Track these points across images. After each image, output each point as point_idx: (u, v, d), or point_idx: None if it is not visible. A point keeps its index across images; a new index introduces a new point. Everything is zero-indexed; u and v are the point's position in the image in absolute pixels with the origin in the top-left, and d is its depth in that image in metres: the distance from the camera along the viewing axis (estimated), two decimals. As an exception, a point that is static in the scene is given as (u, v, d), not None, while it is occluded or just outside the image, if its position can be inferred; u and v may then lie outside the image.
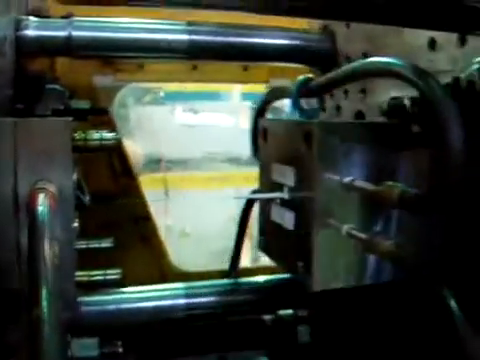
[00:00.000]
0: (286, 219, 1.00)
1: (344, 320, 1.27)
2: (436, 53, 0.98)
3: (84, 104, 1.06)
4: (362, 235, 0.88)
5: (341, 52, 1.32)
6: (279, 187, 1.02)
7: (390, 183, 0.84)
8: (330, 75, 0.97)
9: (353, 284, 0.95)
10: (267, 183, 1.09)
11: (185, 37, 1.24)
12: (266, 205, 1.08)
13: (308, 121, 0.95)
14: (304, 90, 1.03)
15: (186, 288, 1.22)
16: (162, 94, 7.67)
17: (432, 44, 0.99)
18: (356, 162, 0.91)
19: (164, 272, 1.84)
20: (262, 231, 1.13)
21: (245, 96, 8.21)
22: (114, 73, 1.66)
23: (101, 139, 0.95)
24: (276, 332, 1.34)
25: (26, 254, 0.76)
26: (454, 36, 0.92)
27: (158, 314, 1.20)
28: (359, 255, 0.93)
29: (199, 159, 6.45)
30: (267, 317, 1.35)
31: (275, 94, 1.27)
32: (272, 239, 1.09)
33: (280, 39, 1.33)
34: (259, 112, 1.24)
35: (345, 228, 0.90)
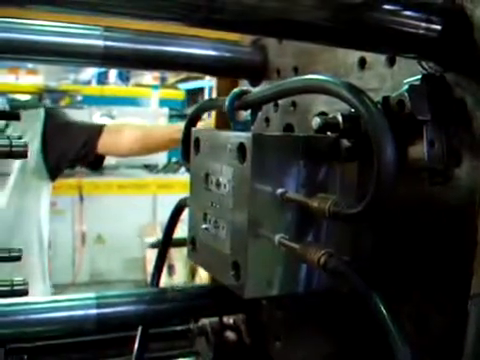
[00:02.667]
0: (219, 228, 1.01)
1: (273, 326, 1.29)
2: (365, 71, 1.02)
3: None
4: (294, 245, 0.90)
5: (272, 65, 1.35)
6: (210, 196, 1.04)
7: (322, 195, 0.87)
8: (267, 89, 0.99)
9: (286, 293, 0.98)
10: (198, 192, 1.09)
11: (100, 43, 1.22)
12: (198, 214, 1.09)
13: (240, 133, 0.96)
14: (238, 103, 1.04)
15: (98, 297, 1.20)
16: (80, 98, 7.53)
17: (362, 63, 1.03)
18: (289, 174, 0.94)
19: None
20: (192, 239, 1.13)
21: (163, 102, 8.21)
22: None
23: (10, 145, 0.92)
24: (203, 339, 1.35)
25: None
26: (383, 57, 0.97)
27: (68, 324, 1.17)
28: (291, 264, 0.95)
29: (115, 165, 6.37)
30: (192, 325, 1.35)
31: (207, 105, 1.28)
32: (202, 248, 1.10)
33: (206, 49, 1.34)
34: (191, 122, 1.24)
35: (277, 238, 0.92)
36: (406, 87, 0.83)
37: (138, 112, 7.43)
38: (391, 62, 0.96)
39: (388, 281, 0.93)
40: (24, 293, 1.01)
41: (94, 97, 7.58)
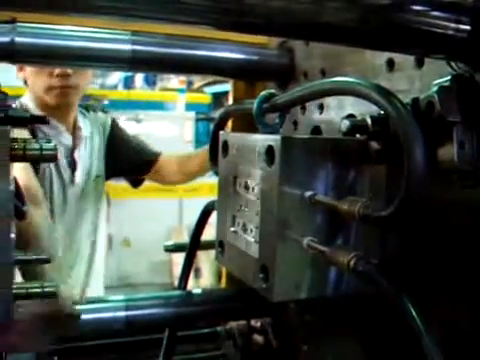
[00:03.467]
0: (247, 231, 1.01)
1: (301, 329, 1.28)
2: (394, 73, 1.01)
3: (24, 112, 1.04)
4: (323, 248, 0.90)
5: (299, 68, 1.35)
6: (239, 199, 1.04)
7: (352, 197, 0.87)
8: (295, 92, 0.99)
9: (314, 296, 0.98)
10: (227, 195, 1.10)
11: (128, 47, 1.24)
12: (226, 217, 1.09)
13: (268, 135, 0.96)
14: (266, 105, 1.05)
15: (127, 300, 1.21)
16: (106, 102, 7.59)
17: (390, 64, 1.03)
18: (318, 176, 0.94)
19: None
20: (220, 242, 1.14)
21: (189, 106, 8.23)
22: None
23: (41, 149, 0.93)
24: (230, 342, 1.35)
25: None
26: (411, 58, 0.96)
27: (98, 326, 1.18)
28: (320, 267, 0.95)
29: None
30: (220, 328, 1.35)
31: (235, 108, 1.29)
32: (231, 251, 1.10)
33: (233, 53, 1.35)
34: (219, 125, 1.24)
35: (306, 241, 0.92)
36: (435, 88, 0.83)
37: (164, 116, 7.46)
38: (420, 63, 0.96)
39: (417, 284, 0.92)
40: (54, 295, 1.02)
41: (121, 101, 7.62)
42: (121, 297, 1.21)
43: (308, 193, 0.92)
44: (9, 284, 0.92)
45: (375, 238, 0.98)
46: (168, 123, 7.35)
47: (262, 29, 0.76)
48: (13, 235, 0.94)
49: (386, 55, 1.03)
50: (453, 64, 0.86)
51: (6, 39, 1.15)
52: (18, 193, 1.05)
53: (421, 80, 0.95)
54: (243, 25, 0.72)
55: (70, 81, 2.09)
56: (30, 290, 1.00)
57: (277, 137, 0.93)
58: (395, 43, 0.82)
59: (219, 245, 1.14)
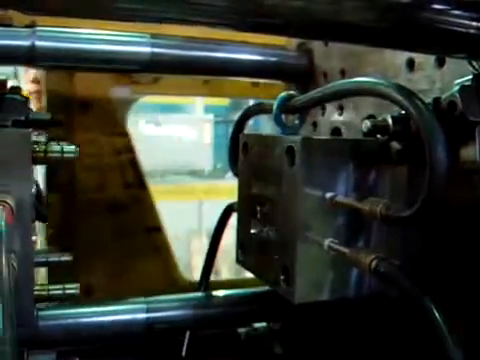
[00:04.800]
0: (268, 233, 1.01)
1: (320, 332, 1.27)
2: (414, 73, 1.01)
3: (44, 115, 1.05)
4: (344, 249, 0.90)
5: (318, 69, 1.34)
6: (259, 201, 1.03)
7: (373, 198, 0.86)
8: (315, 92, 0.99)
9: (335, 297, 0.97)
10: (247, 197, 1.09)
11: (148, 50, 1.24)
12: (247, 218, 1.09)
13: (289, 136, 0.96)
14: (286, 106, 1.04)
15: (147, 302, 1.21)
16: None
17: (411, 64, 1.02)
18: (338, 177, 0.93)
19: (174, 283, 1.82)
20: (241, 244, 1.13)
21: (208, 109, 8.24)
22: (131, 85, 1.66)
23: (62, 151, 0.94)
24: (250, 345, 1.34)
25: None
26: (432, 57, 0.96)
27: (118, 328, 1.18)
28: (341, 269, 0.95)
29: (161, 171, 6.42)
30: (241, 330, 1.35)
31: (254, 109, 1.28)
32: (251, 253, 1.10)
33: (251, 55, 1.35)
34: (238, 127, 1.24)
35: (327, 242, 0.92)
36: (457, 88, 0.82)
37: (184, 119, 7.48)
38: (440, 63, 0.95)
39: (439, 286, 0.91)
40: (75, 297, 1.02)
41: (139, 104, 7.65)
42: (141, 299, 1.21)
43: (329, 194, 0.92)
44: (30, 286, 0.92)
45: (397, 239, 0.97)
46: (187, 126, 7.37)
47: (281, 29, 0.76)
48: (34, 237, 0.95)
49: (406, 55, 1.02)
50: (474, 63, 0.85)
51: (27, 43, 1.16)
52: (39, 196, 1.06)
53: (442, 80, 0.94)
54: (263, 25, 0.72)
55: None
56: (51, 292, 1.01)
57: (297, 138, 0.92)
58: (415, 42, 0.81)
59: (240, 246, 1.13)
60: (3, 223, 0.75)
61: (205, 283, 1.38)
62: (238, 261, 1.15)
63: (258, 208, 1.04)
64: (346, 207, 0.91)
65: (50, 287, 1.02)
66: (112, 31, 1.25)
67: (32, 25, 1.24)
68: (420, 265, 0.96)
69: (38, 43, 1.16)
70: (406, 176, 0.95)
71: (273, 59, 1.38)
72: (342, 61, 1.23)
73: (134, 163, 1.73)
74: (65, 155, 0.94)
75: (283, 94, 1.04)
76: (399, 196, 0.95)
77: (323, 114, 1.28)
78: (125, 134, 1.66)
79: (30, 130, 0.89)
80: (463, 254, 0.89)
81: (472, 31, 0.76)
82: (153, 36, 1.26)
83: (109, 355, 1.29)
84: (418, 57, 1.00)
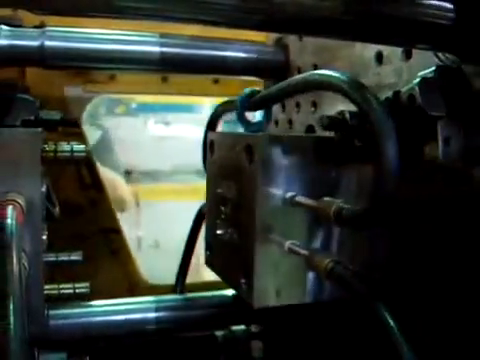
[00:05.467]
0: (231, 234, 0.97)
1: (296, 336, 1.25)
2: (383, 66, 0.97)
3: (55, 115, 1.05)
4: (303, 251, 0.86)
5: (293, 64, 1.31)
6: (224, 201, 1.00)
7: (327, 199, 0.82)
8: (274, 88, 0.96)
9: (298, 302, 0.93)
10: (213, 197, 1.06)
11: (157, 49, 1.24)
12: (213, 219, 1.05)
13: (250, 134, 0.94)
14: (249, 103, 1.01)
15: (157, 301, 1.21)
16: (134, 105, 7.64)
17: (379, 57, 0.98)
18: (299, 176, 0.89)
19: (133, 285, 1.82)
20: (208, 246, 1.11)
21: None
22: (85, 84, 1.65)
23: (72, 151, 0.94)
24: (228, 348, 1.31)
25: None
26: (399, 50, 0.92)
27: (128, 327, 1.18)
28: (302, 272, 0.91)
29: (169, 171, 6.42)
30: (219, 333, 1.31)
31: (225, 107, 1.25)
32: (218, 254, 1.06)
33: (234, 52, 1.33)
34: (210, 125, 1.22)
35: (287, 244, 0.88)
36: (417, 80, 0.77)
37: (192, 119, 7.48)
38: (407, 55, 0.90)
39: (405, 291, 0.89)
40: (86, 296, 1.03)
41: (148, 104, 7.66)
42: (151, 298, 1.21)
43: (289, 194, 0.88)
44: (41, 285, 0.93)
45: (360, 243, 0.94)
46: (196, 126, 7.38)
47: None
48: (44, 237, 0.95)
49: (375, 48, 0.97)
50: (440, 55, 0.80)
51: (36, 43, 1.16)
52: (49, 195, 1.06)
53: (409, 72, 0.89)
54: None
55: None
56: (62, 291, 1.01)
57: (255, 135, 0.90)
58: (377, 33, 0.75)
59: (207, 248, 1.10)
60: (14, 222, 0.75)
61: (182, 284, 1.35)
62: (207, 263, 1.12)
63: (222, 208, 1.00)
64: (305, 207, 0.87)
65: (61, 286, 1.02)
66: (121, 30, 1.25)
67: (41, 25, 1.24)
68: (386, 267, 0.93)
69: (47, 43, 1.16)
70: (370, 175, 0.92)
71: (252, 56, 1.35)
72: (315, 56, 1.20)
73: (90, 165, 1.72)
74: (75, 154, 0.94)
75: (246, 90, 1.01)
76: (360, 195, 0.92)
77: (298, 111, 1.25)
78: (81, 134, 1.63)
79: (40, 130, 0.89)
80: (429, 259, 0.87)
81: (434, 20, 0.72)
82: (162, 35, 1.26)
83: (120, 354, 1.29)
84: (386, 50, 0.95)
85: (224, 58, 1.31)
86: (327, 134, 0.95)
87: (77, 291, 1.03)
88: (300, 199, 0.87)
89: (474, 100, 0.75)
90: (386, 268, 0.93)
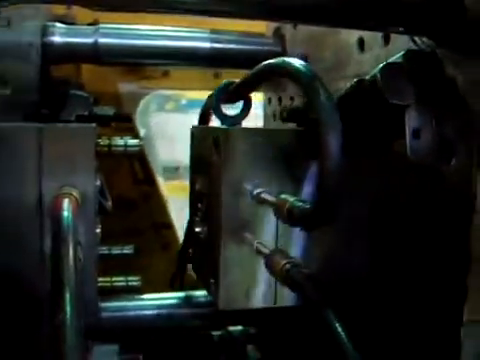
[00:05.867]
0: (203, 232, 0.94)
1: (292, 338, 1.19)
2: (364, 53, 0.90)
3: (108, 110, 1.07)
4: (265, 251, 0.80)
5: (288, 55, 1.25)
6: (200, 197, 0.96)
7: (284, 195, 0.75)
8: (242, 78, 0.91)
9: (268, 306, 0.88)
10: (192, 193, 1.02)
11: (207, 45, 1.25)
12: (192, 216, 1.02)
13: (221, 127, 0.90)
14: (225, 95, 0.95)
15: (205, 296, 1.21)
16: (184, 102, 7.68)
17: (361, 44, 0.91)
18: (269, 171, 0.84)
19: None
20: (189, 244, 1.09)
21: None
22: (139, 80, 1.66)
23: (126, 145, 0.95)
24: (224, 349, 1.27)
25: (49, 259, 0.76)
26: (379, 35, 0.85)
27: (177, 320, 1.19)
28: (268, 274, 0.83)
29: (175, 167, 6.42)
30: (215, 333, 1.28)
31: (209, 101, 1.17)
32: (196, 253, 1.03)
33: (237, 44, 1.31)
34: (201, 119, 1.15)
35: (255, 243, 0.83)
36: (380, 66, 0.70)
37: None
38: (386, 40, 0.83)
39: (368, 297, 0.85)
40: (137, 289, 1.04)
41: (198, 101, 7.71)
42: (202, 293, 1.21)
43: (255, 190, 0.83)
44: (95, 277, 0.94)
45: (321, 244, 0.89)
46: (245, 122, 7.37)
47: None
48: (98, 230, 0.96)
49: (356, 35, 0.91)
50: (417, 39, 0.73)
51: (90, 40, 1.18)
52: (102, 189, 1.08)
53: (387, 58, 0.80)
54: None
55: None
56: (115, 284, 1.03)
57: (224, 128, 0.86)
58: (344, 15, 0.69)
59: (189, 247, 1.08)
60: (70, 215, 0.76)
61: (180, 282, 1.32)
62: (189, 262, 1.10)
63: (199, 205, 0.96)
64: (268, 204, 0.80)
65: (113, 279, 1.04)
66: (171, 27, 1.26)
67: (95, 23, 1.26)
68: (346, 273, 0.89)
69: (101, 40, 1.18)
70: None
71: (252, 47, 1.32)
72: (305, 45, 1.15)
73: (143, 160, 1.72)
74: (128, 149, 0.95)
75: (224, 82, 0.96)
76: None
77: (280, 104, 1.21)
78: (133, 129, 1.63)
79: (94, 125, 0.90)
80: (396, 265, 0.82)
81: (407, 2, 0.65)
82: (212, 31, 1.27)
83: (173, 349, 1.30)
84: (367, 36, 0.88)
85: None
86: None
87: (129, 284, 1.04)
88: (265, 196, 0.81)
89: (447, 87, 0.67)
90: (348, 271, 0.90)
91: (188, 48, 1.24)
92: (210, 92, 1.00)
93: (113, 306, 1.14)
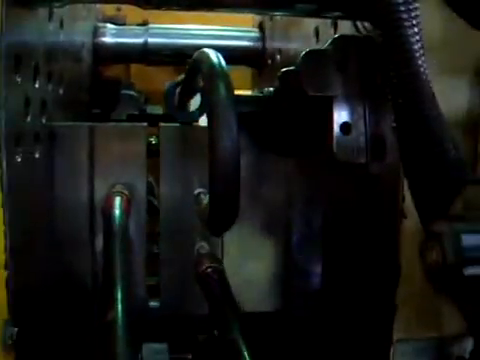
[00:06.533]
0: None
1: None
2: (319, 42, 0.84)
3: (158, 110, 1.07)
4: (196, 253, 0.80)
5: (267, 50, 1.23)
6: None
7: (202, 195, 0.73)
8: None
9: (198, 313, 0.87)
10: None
11: (258, 44, 1.24)
12: None
13: (170, 125, 0.89)
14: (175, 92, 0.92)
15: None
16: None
17: (317, 33, 0.85)
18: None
19: None
20: None
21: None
22: None
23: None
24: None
25: (100, 257, 0.77)
26: (329, 22, 0.79)
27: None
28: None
29: None
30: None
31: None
32: None
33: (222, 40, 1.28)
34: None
35: (197, 246, 0.83)
36: (302, 55, 0.63)
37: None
38: (335, 27, 0.76)
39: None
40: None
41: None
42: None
43: (197, 190, 0.82)
44: (143, 275, 0.94)
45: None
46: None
47: None
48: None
49: (313, 24, 0.85)
50: (359, 25, 0.66)
51: (140, 41, 1.19)
52: (152, 188, 1.08)
53: None
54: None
55: None
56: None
57: (161, 126, 0.86)
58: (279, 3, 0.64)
59: None
60: (121, 212, 0.77)
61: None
62: None
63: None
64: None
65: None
66: (220, 26, 1.26)
67: (144, 23, 1.27)
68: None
69: (151, 40, 1.19)
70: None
71: (241, 43, 1.29)
72: (279, 39, 1.11)
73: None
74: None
75: (177, 80, 0.92)
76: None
77: None
78: None
79: (145, 124, 0.91)
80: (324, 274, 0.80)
81: None
82: (261, 29, 1.26)
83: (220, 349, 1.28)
84: (321, 24, 0.83)
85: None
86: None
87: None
88: (202, 197, 0.77)
89: (384, 76, 0.54)
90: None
91: (237, 47, 1.24)
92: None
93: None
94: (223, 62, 0.61)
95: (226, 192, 0.57)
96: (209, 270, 0.74)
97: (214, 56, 0.62)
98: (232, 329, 0.67)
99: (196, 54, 0.67)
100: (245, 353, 0.64)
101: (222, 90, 0.58)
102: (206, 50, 0.64)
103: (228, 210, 0.57)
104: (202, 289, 0.74)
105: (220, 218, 0.59)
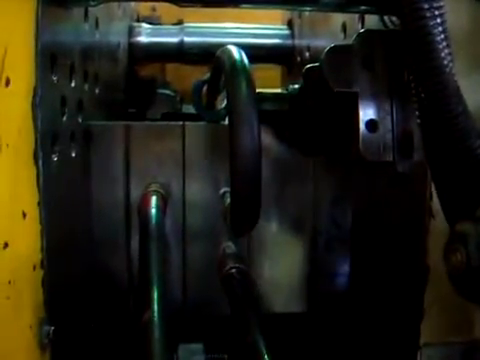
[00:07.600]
0: None
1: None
2: (347, 38, 0.82)
3: (193, 109, 1.07)
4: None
5: (296, 48, 1.21)
6: None
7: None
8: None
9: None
10: None
11: (289, 42, 1.23)
12: None
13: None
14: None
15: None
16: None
17: (344, 28, 0.84)
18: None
19: None
20: None
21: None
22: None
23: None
24: None
25: (136, 256, 0.77)
26: (356, 17, 0.78)
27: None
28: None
29: None
30: None
31: None
32: None
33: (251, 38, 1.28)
34: None
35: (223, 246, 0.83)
36: (326, 50, 0.62)
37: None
38: (362, 22, 0.75)
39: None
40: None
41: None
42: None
43: (223, 189, 0.81)
44: (178, 276, 0.94)
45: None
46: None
47: None
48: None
49: (340, 19, 0.84)
50: (386, 19, 0.64)
51: (176, 40, 1.19)
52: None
53: None
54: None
55: None
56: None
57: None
58: None
59: None
60: (157, 211, 0.77)
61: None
62: None
63: None
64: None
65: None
66: (252, 24, 1.25)
67: (179, 22, 1.27)
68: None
69: (186, 39, 1.19)
70: None
71: (272, 41, 1.28)
72: (308, 36, 1.10)
73: None
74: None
75: (202, 79, 0.92)
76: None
77: None
78: None
79: (181, 123, 0.90)
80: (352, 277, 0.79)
81: None
82: (289, 26, 1.24)
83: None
84: (348, 19, 0.81)
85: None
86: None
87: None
88: (227, 196, 0.76)
89: (409, 70, 0.54)
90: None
91: (270, 45, 1.23)
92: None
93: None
94: (245, 59, 0.60)
95: (247, 191, 0.56)
96: (233, 270, 0.74)
97: (236, 53, 0.61)
98: (253, 330, 0.67)
99: (219, 51, 0.66)
100: (265, 356, 0.63)
101: (243, 87, 0.57)
102: (228, 47, 0.63)
103: (249, 210, 0.57)
104: (224, 289, 0.74)
105: (241, 218, 0.59)
